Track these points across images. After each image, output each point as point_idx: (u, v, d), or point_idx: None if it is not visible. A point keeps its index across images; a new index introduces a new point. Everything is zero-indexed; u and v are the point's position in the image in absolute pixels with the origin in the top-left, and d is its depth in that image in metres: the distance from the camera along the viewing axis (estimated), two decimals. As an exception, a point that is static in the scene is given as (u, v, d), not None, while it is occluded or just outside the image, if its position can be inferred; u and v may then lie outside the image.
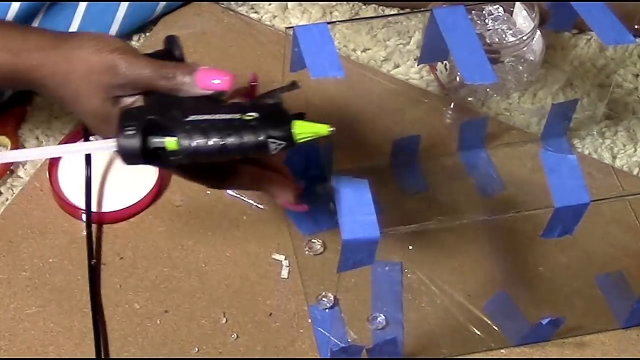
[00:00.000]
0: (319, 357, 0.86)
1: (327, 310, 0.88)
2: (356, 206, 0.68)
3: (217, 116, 0.69)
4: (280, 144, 0.68)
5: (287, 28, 0.78)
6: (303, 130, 0.68)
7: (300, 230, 0.93)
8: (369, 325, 0.88)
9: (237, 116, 0.69)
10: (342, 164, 0.96)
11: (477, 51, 0.77)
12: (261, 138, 0.68)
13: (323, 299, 0.89)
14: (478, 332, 0.88)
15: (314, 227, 0.93)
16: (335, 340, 0.85)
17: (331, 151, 0.95)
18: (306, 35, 0.77)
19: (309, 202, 0.93)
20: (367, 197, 0.69)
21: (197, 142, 0.68)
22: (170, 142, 0.68)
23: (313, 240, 0.92)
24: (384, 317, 0.88)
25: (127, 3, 1.03)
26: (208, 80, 0.72)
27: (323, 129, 0.68)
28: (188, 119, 0.69)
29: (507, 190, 0.98)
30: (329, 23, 0.78)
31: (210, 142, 0.68)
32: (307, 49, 0.76)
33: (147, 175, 0.95)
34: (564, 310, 0.88)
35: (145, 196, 0.93)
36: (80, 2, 1.01)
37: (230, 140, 0.68)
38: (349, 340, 0.86)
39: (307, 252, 0.92)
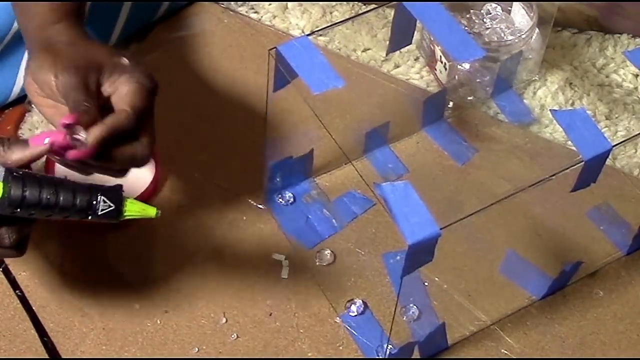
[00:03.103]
0: (318, 357, 0.86)
1: (358, 316, 0.88)
2: (409, 209, 0.69)
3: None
4: (107, 211, 0.69)
5: (269, 50, 0.78)
6: (133, 209, 0.71)
7: (302, 244, 0.92)
8: (403, 318, 0.87)
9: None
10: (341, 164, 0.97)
11: (456, 30, 0.78)
12: (94, 202, 0.69)
13: (351, 306, 0.88)
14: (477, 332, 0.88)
15: (315, 238, 0.93)
16: (384, 345, 0.85)
17: (311, 159, 0.95)
18: (292, 53, 0.77)
19: (302, 215, 0.94)
20: (415, 198, 0.70)
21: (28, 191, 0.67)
22: None
23: (319, 251, 0.92)
24: (415, 307, 0.88)
25: (129, 4, 1.03)
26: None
27: (151, 211, 0.71)
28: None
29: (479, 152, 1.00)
30: (308, 35, 0.79)
31: (43, 195, 0.67)
32: (298, 66, 0.76)
33: (141, 175, 0.93)
34: (571, 254, 0.91)
35: (138, 196, 0.92)
36: (82, 3, 1.01)
37: (62, 195, 0.68)
38: (391, 338, 0.85)
39: (317, 263, 0.91)
